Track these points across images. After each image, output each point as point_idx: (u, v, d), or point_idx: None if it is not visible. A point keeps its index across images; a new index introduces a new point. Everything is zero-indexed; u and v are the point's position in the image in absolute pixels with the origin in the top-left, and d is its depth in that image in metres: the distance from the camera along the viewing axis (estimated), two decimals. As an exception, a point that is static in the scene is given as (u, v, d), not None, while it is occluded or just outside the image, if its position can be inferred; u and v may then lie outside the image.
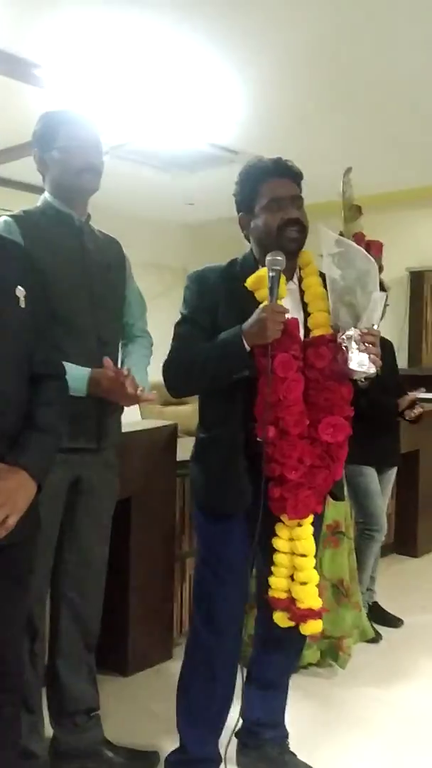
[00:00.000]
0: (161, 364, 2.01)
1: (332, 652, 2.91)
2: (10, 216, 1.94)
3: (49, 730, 2.15)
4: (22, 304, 1.59)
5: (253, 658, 2.21)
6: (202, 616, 2.05)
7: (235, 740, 2.14)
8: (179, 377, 1.97)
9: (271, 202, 1.93)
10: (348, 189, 1.96)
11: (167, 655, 2.97)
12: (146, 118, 4.89)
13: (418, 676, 2.96)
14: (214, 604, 2.01)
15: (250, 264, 1.99)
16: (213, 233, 6.91)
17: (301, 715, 2.48)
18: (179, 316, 2.02)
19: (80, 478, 2.03)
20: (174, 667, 2.20)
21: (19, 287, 1.59)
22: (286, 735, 2.24)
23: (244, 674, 2.13)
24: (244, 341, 1.82)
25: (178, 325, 2.02)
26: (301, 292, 2.00)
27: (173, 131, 5.13)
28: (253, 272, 1.93)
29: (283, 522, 1.89)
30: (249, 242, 2.05)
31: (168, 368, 1.98)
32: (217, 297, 1.96)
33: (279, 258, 1.82)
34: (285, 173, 1.97)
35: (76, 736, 2.15)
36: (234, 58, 4.01)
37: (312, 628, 1.90)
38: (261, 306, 1.83)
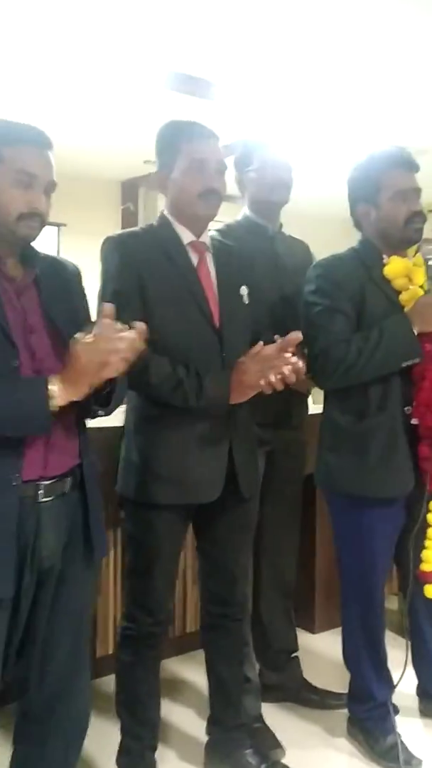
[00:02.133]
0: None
1: None
2: (216, 230, 2.26)
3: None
4: (245, 301, 1.95)
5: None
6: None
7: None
8: (340, 369, 1.97)
9: (397, 194, 2.02)
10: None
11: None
12: (310, 121, 5.17)
13: None
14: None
15: (375, 253, 2.08)
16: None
17: None
18: (317, 308, 2.05)
19: (274, 450, 2.35)
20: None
21: (243, 287, 1.95)
22: None
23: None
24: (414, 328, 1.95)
25: (319, 316, 2.04)
26: None
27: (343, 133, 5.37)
28: (379, 261, 2.06)
29: None
30: (360, 231, 2.16)
31: (326, 361, 1.99)
32: (356, 286, 2.03)
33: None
34: (410, 165, 2.05)
35: (278, 674, 2.50)
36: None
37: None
38: (424, 295, 1.98)
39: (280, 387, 1.77)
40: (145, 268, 1.87)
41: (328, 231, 2.44)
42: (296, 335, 1.75)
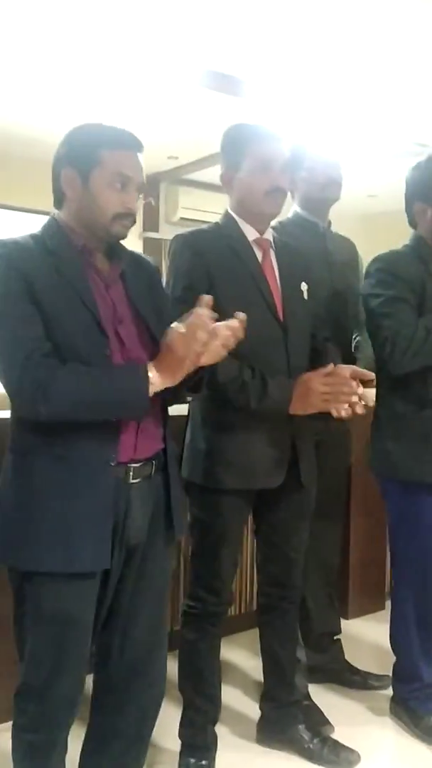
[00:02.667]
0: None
1: None
2: (272, 227, 2.35)
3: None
4: (305, 297, 2.04)
5: None
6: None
7: None
8: (409, 352, 2.04)
9: None
10: None
11: (380, 605, 3.34)
12: (340, 118, 5.25)
13: None
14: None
15: (429, 250, 2.21)
16: (390, 225, 7.14)
17: None
18: (380, 299, 2.13)
19: (323, 439, 2.44)
20: (386, 617, 2.49)
21: (303, 283, 2.04)
22: None
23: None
24: None
25: (383, 306, 2.12)
26: None
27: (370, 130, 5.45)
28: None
29: None
30: (414, 229, 2.28)
31: (394, 346, 2.06)
32: (416, 278, 2.13)
33: None
34: None
35: (321, 655, 2.60)
36: None
37: None
38: None
39: (348, 417, 1.86)
40: (214, 264, 1.96)
41: (344, 227, 2.53)
42: (371, 374, 1.85)
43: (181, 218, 7.21)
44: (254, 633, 2.29)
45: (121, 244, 1.69)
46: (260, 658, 2.27)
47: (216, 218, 2.12)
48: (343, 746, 2.17)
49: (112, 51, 4.29)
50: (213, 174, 6.51)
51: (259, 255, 2.04)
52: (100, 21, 3.92)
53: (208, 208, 6.72)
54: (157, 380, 1.51)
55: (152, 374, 1.51)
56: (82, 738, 1.77)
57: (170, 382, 1.53)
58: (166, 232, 7.04)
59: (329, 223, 2.54)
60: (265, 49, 4.34)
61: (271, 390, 1.91)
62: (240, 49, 4.41)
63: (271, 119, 2.45)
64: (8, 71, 4.51)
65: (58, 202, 1.65)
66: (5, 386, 1.54)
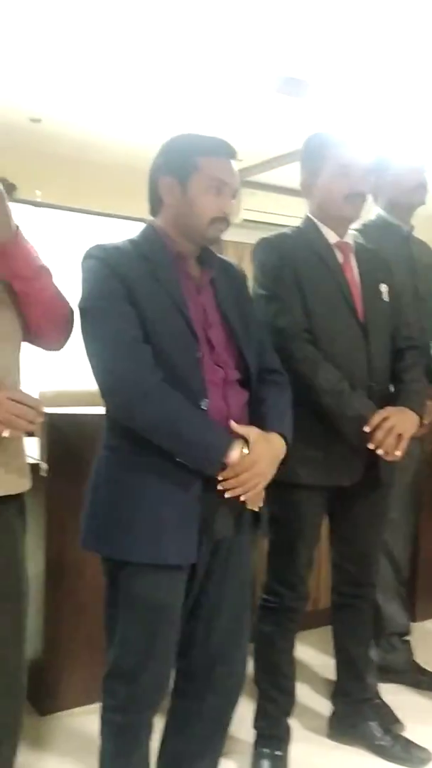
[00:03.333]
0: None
1: None
2: (356, 230, 2.37)
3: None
4: (385, 298, 2.08)
5: None
6: None
7: None
8: None
9: None
10: None
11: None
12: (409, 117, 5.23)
13: None
14: None
15: None
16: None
17: None
18: None
19: None
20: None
21: (383, 284, 2.08)
22: None
23: None
24: None
25: None
26: None
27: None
28: None
29: None
30: None
31: None
32: None
33: None
34: None
35: (392, 655, 2.63)
36: None
37: None
38: None
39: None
40: (299, 266, 2.01)
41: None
42: None
43: (244, 220, 7.25)
44: (324, 631, 2.34)
45: (212, 252, 1.76)
46: (330, 656, 2.32)
47: (279, 220, 2.19)
48: (414, 744, 2.20)
49: (180, 56, 4.38)
50: (277, 176, 6.58)
51: (340, 258, 2.08)
52: (171, 29, 4.00)
53: (271, 210, 6.75)
54: (235, 458, 1.56)
55: (234, 454, 1.56)
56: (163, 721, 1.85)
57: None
58: (229, 234, 7.08)
59: (412, 227, 2.57)
60: (333, 50, 4.36)
61: (356, 406, 1.95)
62: (306, 51, 4.43)
63: (339, 122, 2.48)
64: (94, 81, 4.64)
65: (155, 209, 1.72)
66: (100, 385, 1.61)
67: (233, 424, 1.60)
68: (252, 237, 2.30)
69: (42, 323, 1.62)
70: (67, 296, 1.66)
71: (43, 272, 1.56)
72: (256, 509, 1.67)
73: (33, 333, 1.63)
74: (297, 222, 2.16)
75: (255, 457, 1.58)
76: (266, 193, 7.19)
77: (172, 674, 1.79)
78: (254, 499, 1.63)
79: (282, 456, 1.68)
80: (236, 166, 1.68)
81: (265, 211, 7.04)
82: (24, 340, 1.64)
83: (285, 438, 1.69)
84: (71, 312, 1.65)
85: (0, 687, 1.53)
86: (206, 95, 5.05)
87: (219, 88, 4.90)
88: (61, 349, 1.72)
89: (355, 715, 2.25)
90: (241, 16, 3.86)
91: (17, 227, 1.50)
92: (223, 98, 5.11)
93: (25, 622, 1.59)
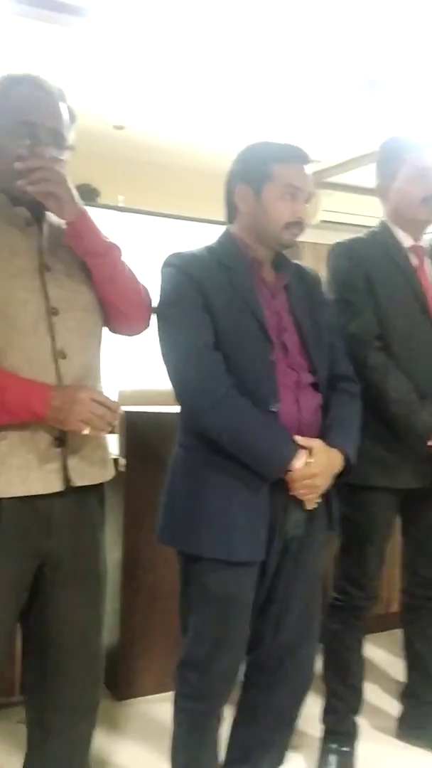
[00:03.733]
0: None
1: None
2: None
3: None
4: None
5: None
6: None
7: None
8: None
9: None
10: None
11: None
12: None
13: None
14: None
15: None
16: None
17: None
18: None
19: None
20: None
21: None
22: None
23: None
24: None
25: None
26: None
27: None
28: None
29: None
30: None
31: None
32: None
33: None
34: None
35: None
36: None
37: None
38: None
39: None
40: (373, 271, 2.03)
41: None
42: None
43: (322, 221, 7.25)
44: (396, 634, 2.34)
45: (286, 257, 1.81)
46: (399, 658, 2.32)
47: (358, 220, 2.19)
48: None
49: (260, 60, 4.42)
50: (356, 176, 6.53)
51: (414, 261, 2.09)
52: (251, 34, 4.06)
53: (350, 210, 6.73)
54: (298, 467, 1.62)
55: (298, 463, 1.62)
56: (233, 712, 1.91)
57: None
58: (306, 235, 7.08)
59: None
60: (413, 52, 4.33)
61: (426, 416, 1.96)
62: (387, 53, 4.42)
63: (417, 124, 2.43)
64: (175, 89, 4.75)
65: (231, 216, 1.78)
66: (174, 387, 1.69)
67: (297, 437, 1.65)
68: (330, 238, 2.32)
69: (117, 303, 1.61)
70: (143, 283, 1.68)
71: (114, 249, 1.57)
72: (311, 509, 1.71)
73: (112, 318, 1.65)
74: (376, 222, 2.16)
75: (315, 470, 1.64)
76: (345, 194, 7.18)
77: (242, 666, 1.85)
78: (309, 502, 1.70)
79: (338, 471, 1.72)
80: (310, 170, 1.72)
81: (343, 212, 7.02)
82: (109, 329, 1.69)
83: (347, 453, 1.73)
84: (148, 295, 1.68)
85: (80, 669, 1.62)
86: (286, 97, 5.09)
87: (299, 90, 4.93)
88: (142, 333, 1.73)
89: (424, 716, 2.25)
90: (321, 19, 3.89)
91: (83, 205, 1.52)
92: (303, 100, 5.13)
93: (103, 605, 1.67)
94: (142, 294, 1.66)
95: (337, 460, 1.71)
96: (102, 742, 2.19)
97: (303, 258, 6.32)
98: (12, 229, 1.53)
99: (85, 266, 1.57)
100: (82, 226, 1.50)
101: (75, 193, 1.48)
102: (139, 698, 2.50)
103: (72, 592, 1.58)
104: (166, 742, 1.83)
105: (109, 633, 2.30)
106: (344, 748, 2.14)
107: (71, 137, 1.57)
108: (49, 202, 1.46)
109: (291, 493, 1.66)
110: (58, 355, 1.51)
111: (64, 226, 1.53)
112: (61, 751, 1.64)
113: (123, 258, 1.60)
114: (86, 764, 1.72)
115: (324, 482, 1.68)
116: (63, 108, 1.55)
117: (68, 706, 1.62)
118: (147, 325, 1.71)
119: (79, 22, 3.68)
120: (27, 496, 1.48)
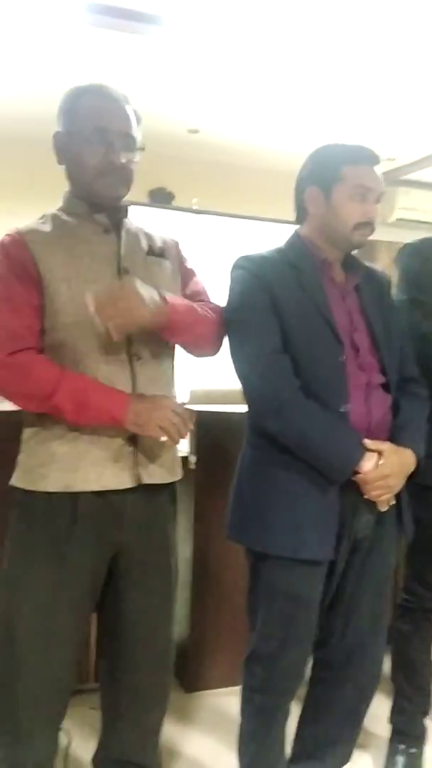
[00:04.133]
0: None
1: None
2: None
3: None
4: None
5: None
6: None
7: None
8: None
9: None
10: None
11: None
12: None
13: None
14: None
15: None
16: None
17: None
18: None
19: None
20: None
21: None
22: None
23: None
24: None
25: None
26: None
27: None
28: None
29: None
30: None
31: None
32: None
33: None
34: None
35: None
36: None
37: None
38: None
39: None
40: None
41: None
42: None
43: (398, 219, 7.15)
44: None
45: (356, 258, 1.82)
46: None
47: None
48: None
49: (333, 60, 4.42)
50: (432, 174, 6.33)
51: None
52: (322, 36, 4.06)
53: (427, 208, 6.63)
54: (368, 468, 1.63)
55: (368, 464, 1.62)
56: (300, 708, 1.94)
57: None
58: (382, 234, 7.00)
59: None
60: None
61: None
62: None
63: None
64: (248, 93, 4.80)
65: (300, 218, 1.81)
66: (244, 389, 1.73)
67: (367, 441, 1.66)
68: (406, 237, 2.30)
69: (193, 347, 1.73)
70: (216, 307, 1.74)
71: (193, 314, 1.64)
72: (383, 510, 1.71)
73: (187, 350, 1.75)
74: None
75: (386, 471, 1.64)
76: (421, 191, 7.06)
77: (310, 663, 1.87)
78: (382, 503, 1.70)
79: (411, 470, 1.72)
80: (379, 170, 1.73)
81: (421, 210, 6.92)
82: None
83: (417, 453, 1.73)
84: (221, 325, 1.73)
85: (150, 658, 1.68)
86: (360, 96, 5.06)
87: (373, 87, 4.89)
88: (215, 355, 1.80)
89: None
90: (395, 18, 3.86)
91: (164, 300, 1.56)
92: (378, 97, 5.09)
93: (174, 598, 1.72)
94: (216, 330, 1.71)
95: (410, 460, 1.71)
96: (171, 732, 2.25)
97: (379, 257, 6.27)
98: (92, 237, 1.61)
99: (161, 271, 1.66)
100: (170, 321, 1.57)
101: (153, 297, 1.53)
102: (208, 691, 2.55)
103: (144, 583, 1.64)
104: (234, 735, 1.87)
105: (179, 627, 2.37)
106: (412, 750, 2.13)
107: (140, 138, 1.64)
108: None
109: (365, 496, 1.66)
110: (134, 357, 1.58)
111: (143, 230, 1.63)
112: (132, 737, 1.71)
113: (198, 312, 1.66)
114: (156, 751, 1.78)
115: (397, 483, 1.68)
116: (129, 111, 1.63)
117: (140, 694, 1.68)
118: (218, 351, 1.77)
119: (154, 30, 3.77)
120: (102, 491, 1.55)
